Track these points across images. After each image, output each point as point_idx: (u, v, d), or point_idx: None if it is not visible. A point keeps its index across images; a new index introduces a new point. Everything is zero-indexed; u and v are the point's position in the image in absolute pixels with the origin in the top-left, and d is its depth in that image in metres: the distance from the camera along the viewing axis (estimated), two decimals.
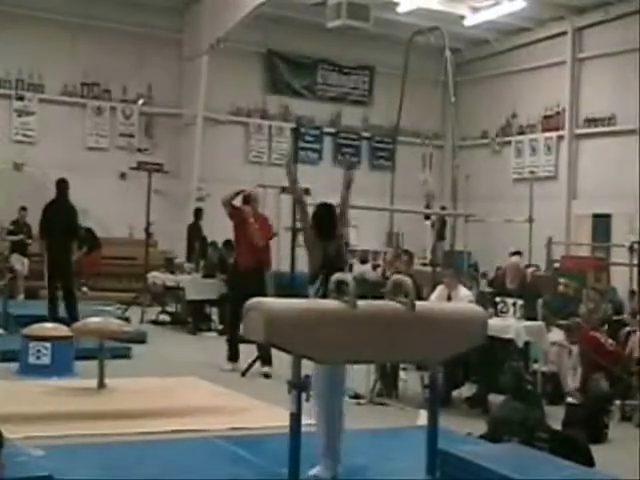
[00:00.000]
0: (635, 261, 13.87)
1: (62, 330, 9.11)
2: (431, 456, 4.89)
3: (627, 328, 9.91)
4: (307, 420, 4.87)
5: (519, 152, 21.32)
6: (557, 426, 7.01)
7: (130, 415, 7.33)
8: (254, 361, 9.85)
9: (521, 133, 21.42)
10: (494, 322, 8.02)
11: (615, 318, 11.12)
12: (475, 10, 19.19)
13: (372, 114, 22.21)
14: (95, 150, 19.21)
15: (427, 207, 15.70)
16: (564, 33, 20.06)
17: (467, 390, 8.78)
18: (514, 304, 8.62)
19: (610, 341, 9.28)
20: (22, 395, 7.90)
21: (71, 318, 10.38)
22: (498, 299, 8.81)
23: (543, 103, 20.73)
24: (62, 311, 11.03)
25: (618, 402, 8.28)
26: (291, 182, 6.20)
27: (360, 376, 8.17)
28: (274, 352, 8.08)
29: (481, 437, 6.74)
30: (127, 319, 11.85)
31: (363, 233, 18.82)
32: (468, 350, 5.56)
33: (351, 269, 14.93)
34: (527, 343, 8.38)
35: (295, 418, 4.42)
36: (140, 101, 19.12)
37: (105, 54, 18.91)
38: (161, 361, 10.24)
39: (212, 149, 19.49)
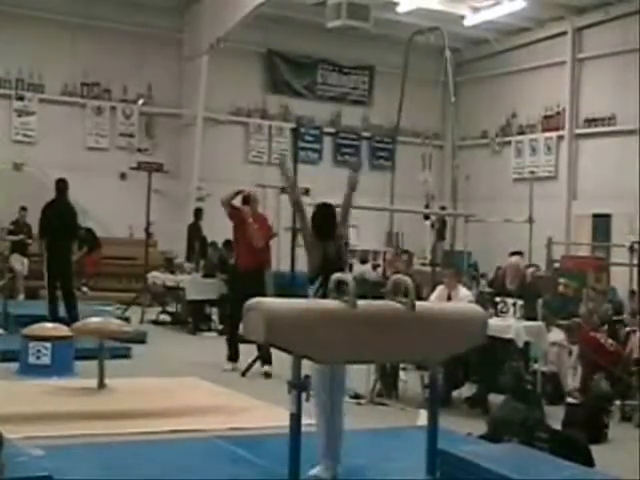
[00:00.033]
0: (635, 261, 13.88)
1: (62, 330, 9.11)
2: (431, 456, 4.89)
3: (627, 328, 9.90)
4: (307, 420, 4.87)
5: (519, 152, 21.32)
6: (557, 426, 7.01)
7: (130, 415, 7.32)
8: (254, 361, 9.85)
9: (521, 133, 21.42)
10: (494, 322, 8.02)
11: (615, 318, 11.12)
12: (475, 10, 19.20)
13: (372, 114, 22.21)
14: (95, 150, 19.21)
15: (427, 207, 15.70)
16: (564, 33, 20.06)
17: (467, 390, 8.78)
18: (514, 304, 8.62)
19: (610, 341, 9.29)
20: (22, 395, 7.89)
21: (71, 318, 10.36)
22: (498, 299, 8.81)
23: (543, 103, 20.72)
24: (62, 311, 11.02)
25: (618, 402, 8.28)
26: (288, 183, 6.17)
27: (360, 376, 8.16)
28: (274, 352, 8.08)
29: (481, 437, 6.74)
30: (127, 319, 11.86)
31: (363, 233, 18.81)
32: (468, 350, 5.57)
33: (351, 269, 14.95)
34: (527, 343, 8.37)
35: (295, 418, 4.42)
36: (140, 101, 19.13)
37: (105, 54, 18.91)
38: (161, 361, 10.24)
39: (212, 149, 19.49)
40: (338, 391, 5.60)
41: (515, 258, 10.49)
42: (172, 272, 14.70)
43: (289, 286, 11.69)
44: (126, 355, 10.31)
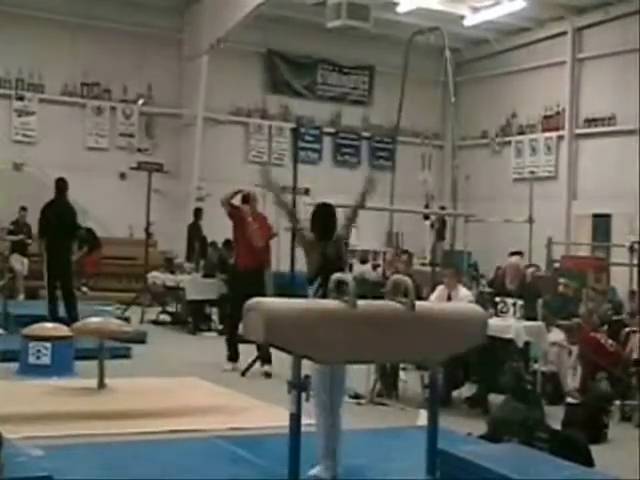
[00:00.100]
0: (635, 261, 13.88)
1: (62, 330, 9.11)
2: (431, 456, 4.89)
3: (627, 328, 9.90)
4: (307, 420, 4.87)
5: (519, 152, 21.32)
6: (557, 426, 7.01)
7: (130, 415, 7.33)
8: (254, 361, 9.85)
9: (521, 133, 21.41)
10: (494, 322, 8.02)
11: (615, 318, 11.12)
12: (475, 10, 19.20)
13: (372, 114, 22.20)
14: (95, 150, 19.21)
15: (427, 207, 15.70)
16: (564, 33, 20.05)
17: (467, 390, 8.78)
18: (514, 304, 8.62)
19: (610, 342, 9.29)
20: (22, 395, 7.89)
21: (71, 318, 10.36)
22: (498, 299, 8.81)
23: (543, 103, 20.72)
24: (62, 311, 11.02)
25: (618, 402, 8.28)
26: (276, 198, 5.87)
27: (360, 376, 8.16)
28: (274, 352, 8.08)
29: (481, 437, 6.74)
30: (127, 319, 11.86)
31: (363, 233, 18.72)
32: (468, 350, 5.57)
33: (351, 269, 14.94)
34: (527, 343, 8.37)
35: (295, 418, 4.42)
36: (140, 101, 19.13)
37: (105, 54, 18.91)
38: (161, 361, 10.24)
39: (212, 149, 19.49)
40: (338, 391, 5.60)
41: (515, 258, 10.50)
42: (172, 272, 14.70)
43: (289, 286, 11.65)
44: (126, 355, 10.31)
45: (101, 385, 8.35)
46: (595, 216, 19.10)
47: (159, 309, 14.85)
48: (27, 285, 15.59)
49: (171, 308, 14.96)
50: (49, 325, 9.49)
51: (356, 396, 8.32)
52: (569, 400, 8.22)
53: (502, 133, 21.92)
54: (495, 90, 21.79)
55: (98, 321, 8.89)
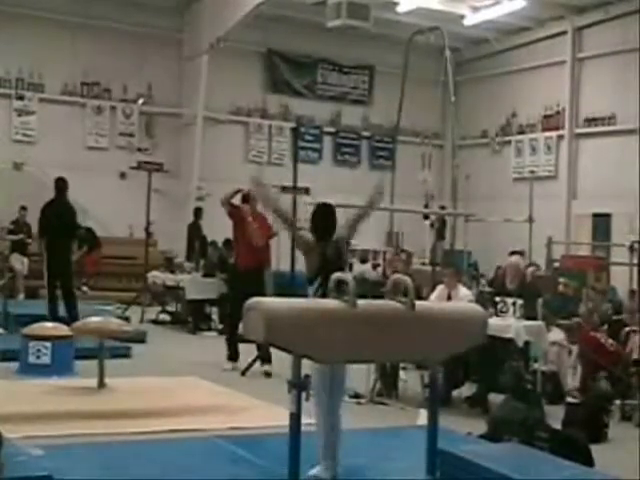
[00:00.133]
0: (635, 261, 13.88)
1: (62, 329, 9.11)
2: (431, 456, 4.89)
3: (627, 328, 9.90)
4: (307, 420, 4.87)
5: (519, 152, 21.32)
6: (557, 426, 7.01)
7: (130, 415, 7.32)
8: (254, 360, 9.85)
9: (521, 133, 21.41)
10: (494, 322, 8.02)
11: (615, 318, 11.12)
12: (475, 10, 19.20)
13: (372, 114, 22.20)
14: (95, 150, 19.21)
15: (426, 207, 15.71)
16: (564, 33, 20.05)
17: (467, 390, 8.78)
18: (514, 304, 8.61)
19: (610, 341, 9.29)
20: (22, 395, 7.89)
21: (71, 318, 10.35)
22: (498, 299, 8.80)
23: (543, 103, 20.72)
24: (62, 310, 11.02)
25: (618, 402, 8.28)
26: (268, 205, 5.91)
27: (360, 376, 8.16)
28: (274, 351, 8.08)
29: (481, 437, 6.74)
30: (127, 319, 11.86)
31: (363, 233, 18.70)
32: (468, 350, 5.57)
33: (351, 269, 14.93)
34: (527, 343, 8.37)
35: (295, 418, 4.42)
36: (140, 101, 19.13)
37: (105, 54, 18.91)
38: (161, 361, 10.24)
39: (212, 149, 19.49)
40: (338, 391, 5.60)
41: (515, 258, 10.48)
42: (172, 272, 14.70)
43: (289, 286, 11.66)
44: (126, 355, 10.31)
45: (101, 385, 8.35)
46: (595, 216, 19.11)
47: (159, 309, 14.85)
48: (27, 285, 15.59)
49: (171, 308, 14.96)
50: (49, 325, 9.49)
51: (356, 396, 8.32)
52: (569, 400, 8.21)
53: (502, 133, 21.92)
54: (495, 90, 21.79)
55: (98, 321, 8.88)
